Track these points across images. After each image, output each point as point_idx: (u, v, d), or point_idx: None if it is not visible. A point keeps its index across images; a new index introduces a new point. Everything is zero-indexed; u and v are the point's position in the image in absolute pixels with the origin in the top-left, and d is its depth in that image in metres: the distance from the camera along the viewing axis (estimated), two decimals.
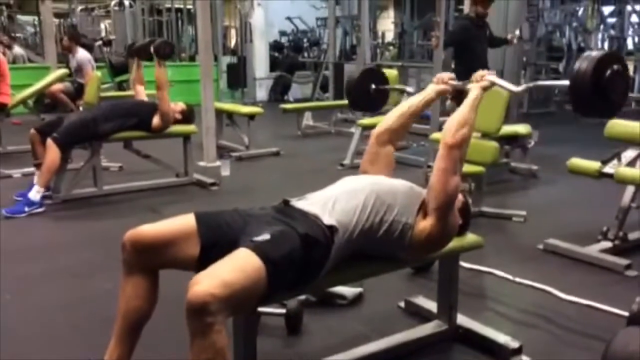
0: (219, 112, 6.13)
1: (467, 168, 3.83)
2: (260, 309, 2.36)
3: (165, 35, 12.22)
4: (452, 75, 2.24)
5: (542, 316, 2.55)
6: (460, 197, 2.21)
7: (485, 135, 3.88)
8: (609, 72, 1.85)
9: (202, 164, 5.35)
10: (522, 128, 4.80)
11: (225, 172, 5.04)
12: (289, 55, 11.14)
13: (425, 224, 1.94)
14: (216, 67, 10.51)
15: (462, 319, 2.35)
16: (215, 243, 1.75)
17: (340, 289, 2.64)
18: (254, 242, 1.65)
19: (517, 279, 2.86)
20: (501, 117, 3.87)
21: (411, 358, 2.23)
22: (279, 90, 10.57)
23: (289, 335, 2.36)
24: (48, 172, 3.95)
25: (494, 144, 3.79)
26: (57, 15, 18.42)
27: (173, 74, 8.84)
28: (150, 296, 1.83)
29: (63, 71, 6.07)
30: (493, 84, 2.10)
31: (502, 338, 2.25)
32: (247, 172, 5.36)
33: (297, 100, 9.84)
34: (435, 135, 4.50)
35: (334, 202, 1.89)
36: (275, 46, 11.70)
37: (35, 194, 3.91)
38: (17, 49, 9.98)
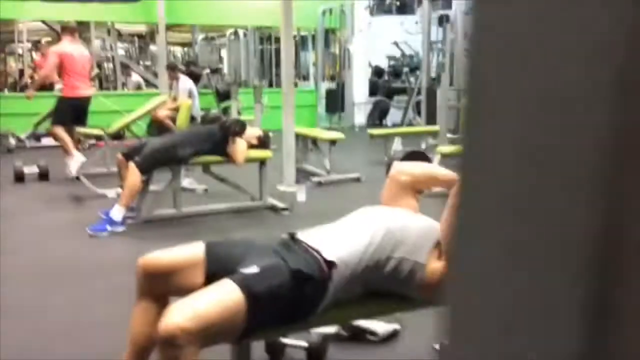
0: (305, 137, 6.25)
1: None
2: (283, 340, 2.37)
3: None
4: None
5: None
6: None
7: None
8: None
9: (281, 188, 5.47)
10: None
11: (301, 197, 5.11)
12: (389, 80, 11.14)
13: (437, 266, 1.86)
14: (316, 93, 10.78)
15: None
16: (217, 273, 1.78)
17: (373, 325, 2.57)
18: (241, 274, 1.66)
19: None
20: None
21: None
22: (377, 115, 10.58)
23: None
24: (129, 194, 4.23)
25: None
26: (182, 44, 19.83)
27: (271, 99, 9.22)
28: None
29: (162, 98, 6.50)
30: None
31: None
32: (323, 197, 5.40)
33: (394, 125, 9.79)
34: None
35: (341, 236, 1.86)
36: (376, 71, 11.76)
37: (117, 213, 4.20)
38: (135, 77, 10.83)
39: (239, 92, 9.38)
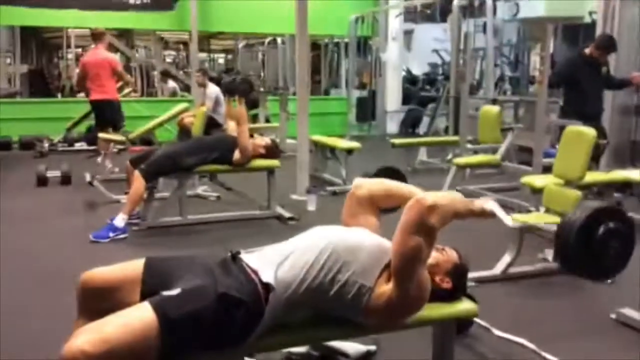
0: (323, 146, 6.16)
1: (545, 218, 3.40)
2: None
3: (321, 69, 12.59)
4: None
5: None
6: (453, 257, 1.96)
7: (569, 183, 3.43)
8: (601, 230, 1.53)
9: (294, 197, 5.39)
10: (637, 174, 4.16)
11: (311, 206, 5.02)
12: (423, 89, 10.92)
13: (385, 289, 1.74)
14: (347, 101, 10.67)
15: None
16: (153, 291, 1.71)
17: (345, 346, 2.46)
18: (159, 297, 1.59)
19: (547, 355, 2.43)
20: (585, 162, 3.38)
21: None
22: (409, 124, 10.37)
23: None
24: (132, 201, 4.24)
25: (577, 193, 3.32)
26: (225, 51, 20.04)
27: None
28: None
29: (183, 105, 6.53)
30: (493, 214, 1.84)
31: None
32: (335, 207, 5.20)
33: (426, 134, 9.57)
34: (530, 179, 4.08)
35: (287, 256, 1.77)
36: (410, 79, 11.55)
37: (120, 220, 4.22)
38: (171, 83, 10.98)
39: (268, 100, 9.40)
